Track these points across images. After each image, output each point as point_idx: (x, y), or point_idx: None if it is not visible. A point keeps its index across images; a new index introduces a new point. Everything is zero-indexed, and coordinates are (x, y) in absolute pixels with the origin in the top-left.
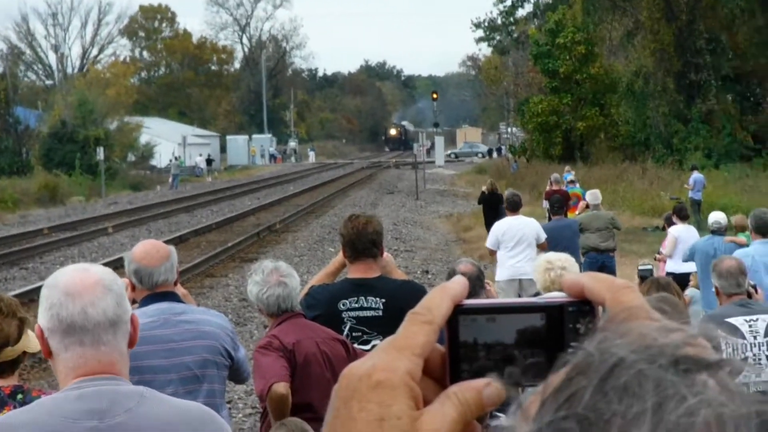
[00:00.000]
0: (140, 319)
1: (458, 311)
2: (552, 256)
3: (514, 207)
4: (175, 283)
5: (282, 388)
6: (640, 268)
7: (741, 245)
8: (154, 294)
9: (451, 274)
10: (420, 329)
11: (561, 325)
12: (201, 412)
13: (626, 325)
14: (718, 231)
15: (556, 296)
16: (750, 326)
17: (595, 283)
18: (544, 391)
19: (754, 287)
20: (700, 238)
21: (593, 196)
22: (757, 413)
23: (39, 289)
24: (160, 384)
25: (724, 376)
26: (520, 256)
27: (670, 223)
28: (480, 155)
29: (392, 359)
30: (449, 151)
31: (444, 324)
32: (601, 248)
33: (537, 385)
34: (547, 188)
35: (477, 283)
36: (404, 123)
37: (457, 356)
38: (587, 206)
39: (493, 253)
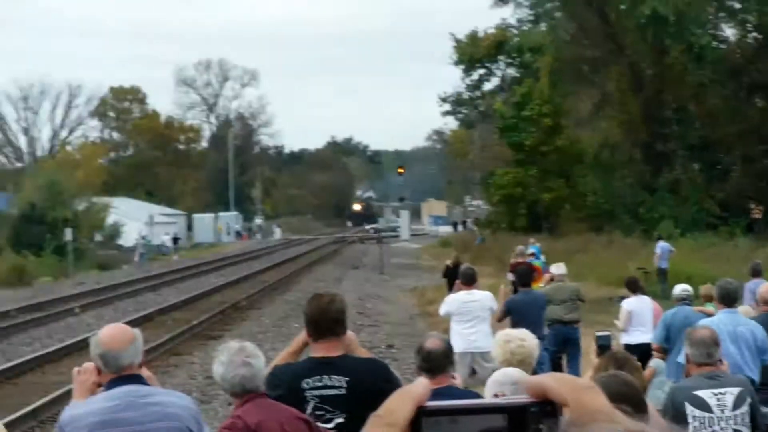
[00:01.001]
0: (105, 402)
1: (421, 413)
2: (510, 330)
3: (469, 280)
4: (140, 366)
5: None
6: (598, 334)
7: (709, 315)
8: (119, 377)
9: (419, 350)
10: None
11: (523, 425)
12: None
13: (587, 428)
14: (687, 300)
15: (519, 397)
16: (718, 399)
17: (557, 384)
18: None
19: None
20: (670, 309)
21: (558, 267)
22: None
23: (6, 371)
24: None
25: None
26: (473, 329)
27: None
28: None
29: None
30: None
31: (407, 426)
32: (566, 320)
33: None
34: (512, 260)
35: (445, 361)
36: (368, 197)
37: None
38: (552, 278)
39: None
